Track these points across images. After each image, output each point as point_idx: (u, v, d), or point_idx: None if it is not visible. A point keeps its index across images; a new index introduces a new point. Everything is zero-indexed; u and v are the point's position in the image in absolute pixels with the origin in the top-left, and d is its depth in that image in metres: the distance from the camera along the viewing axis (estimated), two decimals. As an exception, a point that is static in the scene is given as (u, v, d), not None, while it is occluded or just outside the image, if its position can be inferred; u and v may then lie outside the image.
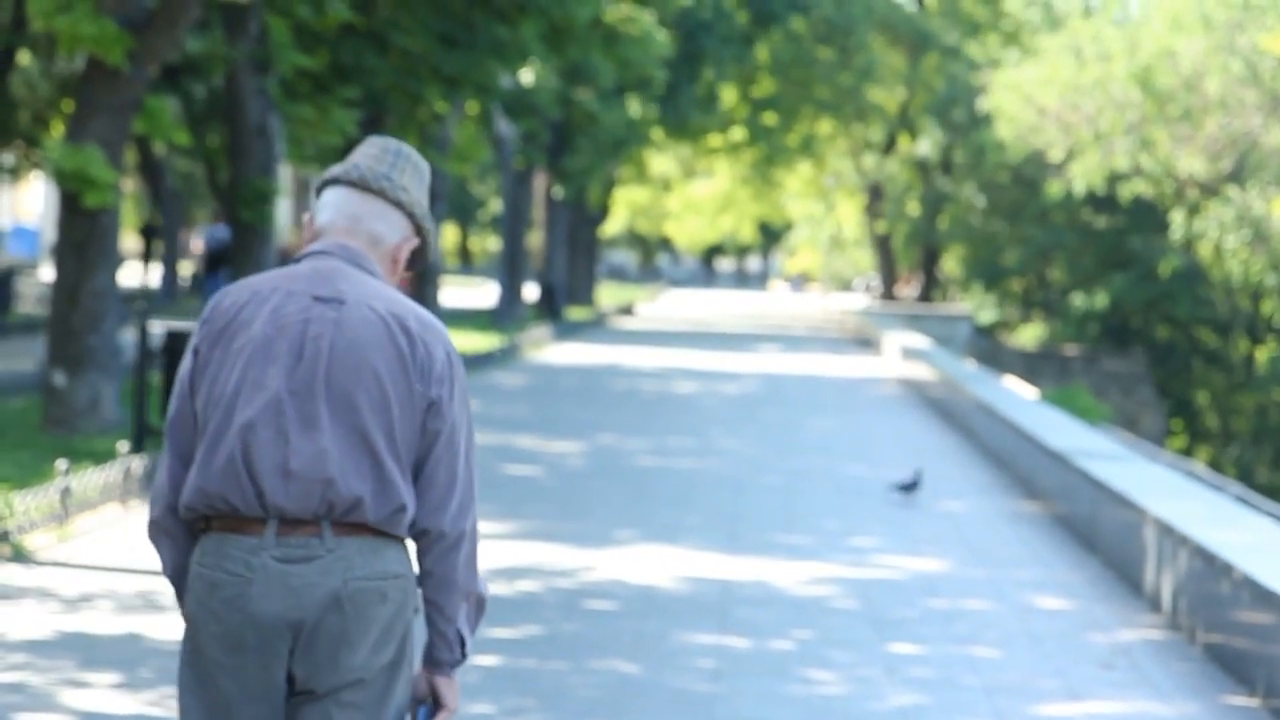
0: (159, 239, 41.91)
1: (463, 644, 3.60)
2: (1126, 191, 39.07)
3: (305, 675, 3.47)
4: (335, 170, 3.67)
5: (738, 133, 57.16)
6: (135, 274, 43.20)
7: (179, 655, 3.59)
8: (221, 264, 28.02)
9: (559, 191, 44.99)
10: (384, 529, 3.50)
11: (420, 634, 3.68)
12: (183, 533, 3.58)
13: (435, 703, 3.62)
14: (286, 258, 25.49)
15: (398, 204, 3.64)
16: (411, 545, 3.63)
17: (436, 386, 3.52)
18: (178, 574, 3.61)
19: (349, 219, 3.62)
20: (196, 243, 23.65)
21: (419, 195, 3.67)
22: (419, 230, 3.68)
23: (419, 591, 3.60)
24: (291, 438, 3.45)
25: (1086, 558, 11.33)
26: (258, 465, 3.45)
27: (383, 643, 3.49)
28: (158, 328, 14.75)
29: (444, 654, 3.60)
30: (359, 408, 3.47)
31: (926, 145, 56.40)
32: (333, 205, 3.64)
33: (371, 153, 3.66)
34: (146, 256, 43.90)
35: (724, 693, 7.43)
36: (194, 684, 3.52)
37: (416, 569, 3.62)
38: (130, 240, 51.84)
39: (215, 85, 26.03)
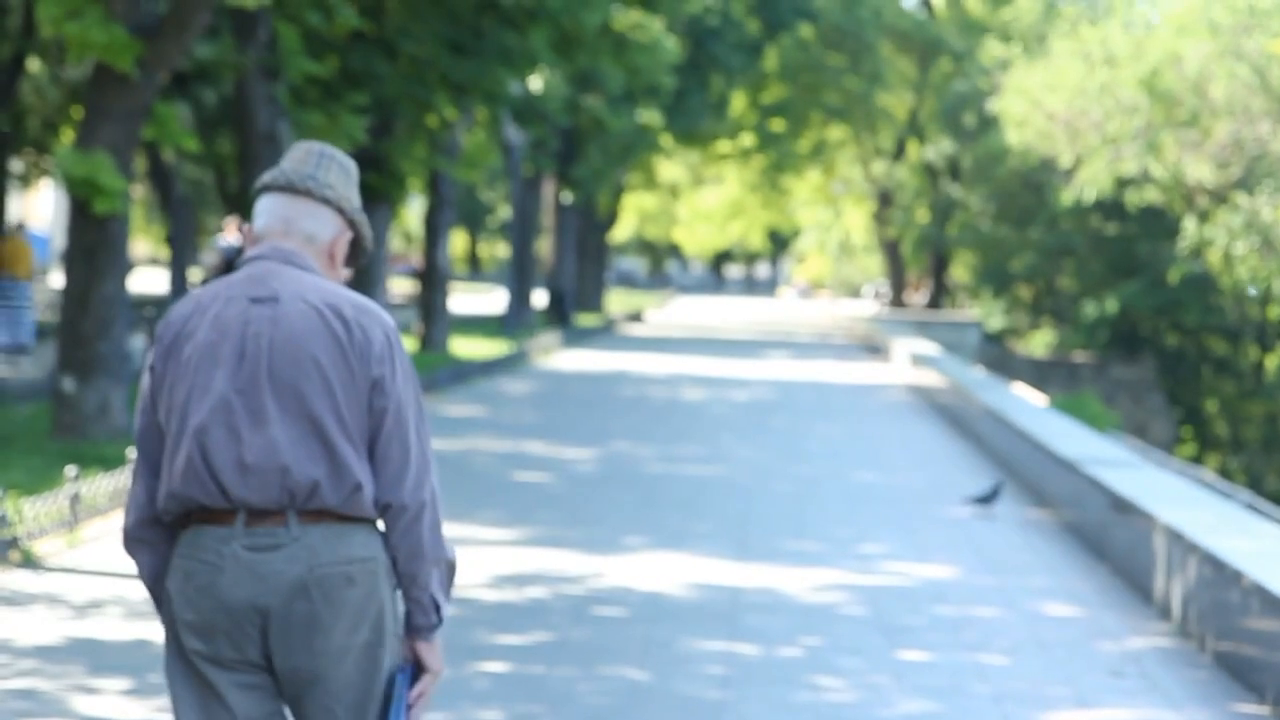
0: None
1: (438, 609, 3.78)
2: (1135, 199, 39.07)
3: (283, 661, 3.66)
4: (265, 178, 3.86)
5: (747, 139, 57.18)
6: (164, 281, 43.29)
7: (164, 650, 3.76)
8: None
9: (568, 197, 45.00)
10: (347, 513, 3.67)
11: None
12: (160, 539, 3.78)
13: (418, 667, 3.78)
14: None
15: (325, 201, 3.82)
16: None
17: (377, 366, 3.70)
18: (155, 581, 3.82)
19: (282, 221, 3.82)
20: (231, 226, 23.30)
21: (346, 191, 3.86)
22: (351, 223, 3.87)
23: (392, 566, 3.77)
24: (243, 433, 3.65)
25: (1096, 565, 11.31)
26: (215, 463, 3.65)
27: (356, 625, 3.67)
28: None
29: (421, 619, 3.77)
30: (304, 396, 3.66)
31: (934, 151, 56.36)
32: (267, 211, 3.84)
33: (296, 156, 3.86)
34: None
35: (733, 700, 7.42)
36: (182, 674, 3.73)
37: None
38: (151, 248, 51.87)
39: (225, 92, 26.06)
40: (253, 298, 3.72)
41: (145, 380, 3.80)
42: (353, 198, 3.87)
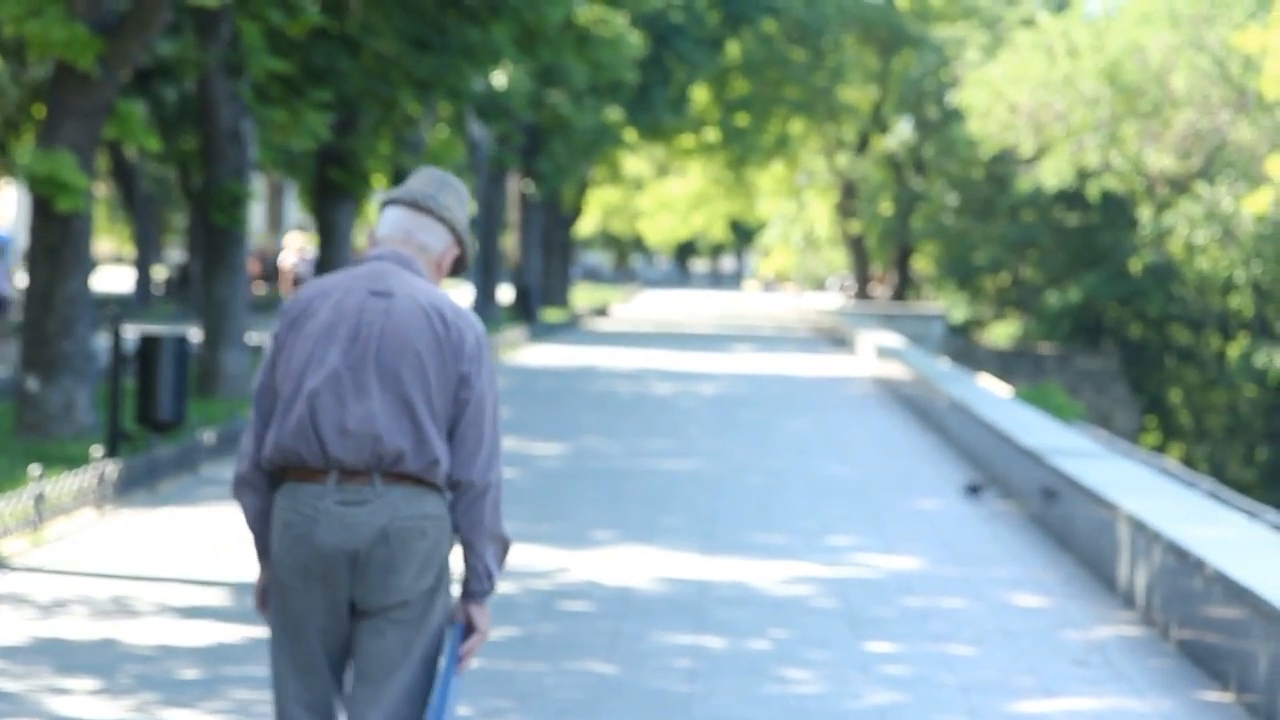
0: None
1: (490, 577, 4.42)
2: (1095, 188, 39.21)
3: (360, 597, 4.33)
4: (393, 193, 4.56)
5: (711, 134, 57.17)
6: (128, 280, 43.13)
7: (258, 585, 4.48)
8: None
9: (533, 191, 44.95)
10: (423, 478, 4.34)
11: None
12: (264, 483, 4.43)
13: (469, 627, 4.42)
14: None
15: (442, 220, 4.53)
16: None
17: (467, 363, 4.39)
18: (258, 521, 4.46)
19: (403, 231, 4.53)
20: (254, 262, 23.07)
21: (459, 213, 4.56)
22: (459, 241, 4.57)
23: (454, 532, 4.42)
24: (348, 403, 4.33)
25: (1061, 555, 11.37)
26: (321, 425, 4.32)
27: (423, 571, 4.34)
28: (131, 333, 14.70)
29: (475, 585, 4.43)
30: (402, 379, 4.34)
31: (895, 140, 56.37)
32: (390, 220, 4.55)
33: (422, 178, 4.57)
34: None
35: (701, 693, 7.44)
36: (277, 606, 4.39)
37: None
38: (115, 246, 51.31)
39: (187, 89, 25.96)
40: (372, 291, 4.40)
41: (269, 346, 4.45)
42: (463, 219, 4.56)
